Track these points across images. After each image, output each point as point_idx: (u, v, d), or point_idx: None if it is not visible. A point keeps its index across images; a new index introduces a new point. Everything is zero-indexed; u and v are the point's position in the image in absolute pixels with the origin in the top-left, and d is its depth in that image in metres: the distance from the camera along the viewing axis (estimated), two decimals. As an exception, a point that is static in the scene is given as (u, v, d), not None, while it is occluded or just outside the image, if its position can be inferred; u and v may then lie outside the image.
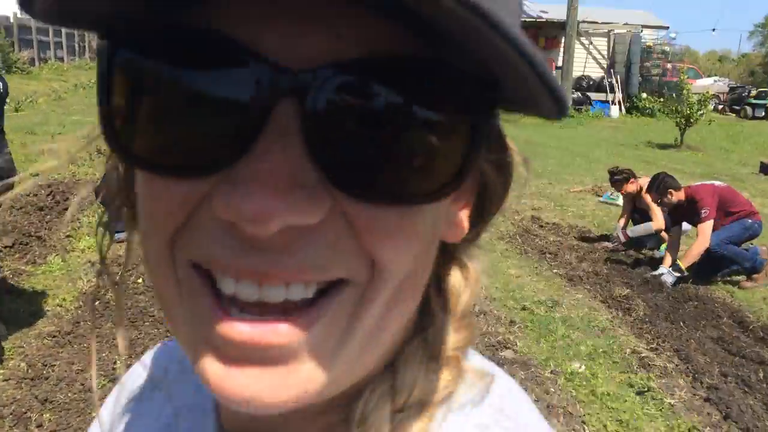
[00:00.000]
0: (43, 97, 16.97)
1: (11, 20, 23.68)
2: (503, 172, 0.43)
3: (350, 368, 0.38)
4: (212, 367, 0.35)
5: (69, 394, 3.41)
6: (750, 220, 5.76)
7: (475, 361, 0.49)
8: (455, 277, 0.45)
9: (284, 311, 0.35)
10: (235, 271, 0.34)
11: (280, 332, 0.34)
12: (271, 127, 0.31)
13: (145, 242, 0.38)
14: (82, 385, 3.50)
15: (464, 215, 0.43)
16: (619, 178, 6.82)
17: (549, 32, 23.15)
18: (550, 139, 18.39)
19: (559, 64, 21.30)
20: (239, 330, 0.34)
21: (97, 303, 3.24)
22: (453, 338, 0.45)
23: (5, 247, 5.50)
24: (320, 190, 0.32)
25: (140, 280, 5.04)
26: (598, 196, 10.09)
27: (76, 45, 30.17)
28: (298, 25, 0.30)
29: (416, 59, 0.30)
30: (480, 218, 0.45)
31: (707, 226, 5.66)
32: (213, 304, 0.36)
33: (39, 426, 3.13)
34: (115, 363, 3.75)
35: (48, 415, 3.21)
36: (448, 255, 0.45)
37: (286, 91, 0.31)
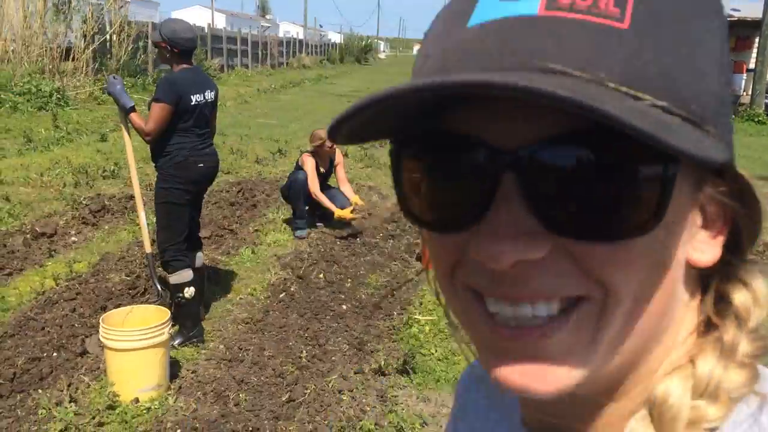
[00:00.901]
0: (230, 100, 18.40)
1: (206, 30, 25.98)
2: (741, 201, 0.47)
3: (601, 367, 0.46)
4: (491, 363, 0.46)
5: (262, 378, 3.70)
6: None
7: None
8: (741, 295, 0.50)
9: (537, 323, 0.44)
10: (492, 295, 0.45)
11: (534, 337, 0.44)
12: (500, 194, 0.42)
13: (435, 270, 0.50)
14: (273, 370, 3.78)
15: (716, 241, 0.48)
16: None
17: (741, 31, 21.28)
18: (740, 148, 16.93)
19: (751, 66, 19.54)
20: (504, 335, 0.45)
21: (283, 295, 3.50)
22: (746, 347, 0.49)
23: (203, 237, 6.06)
24: (540, 234, 0.41)
25: (321, 275, 5.34)
26: None
27: (260, 53, 32.45)
28: (510, 121, 0.41)
29: (597, 131, 0.38)
30: (735, 245, 0.50)
31: None
32: (485, 317, 0.46)
33: (236, 404, 3.42)
34: (301, 352, 4.01)
35: (243, 395, 3.51)
36: (725, 275, 0.50)
37: (507, 167, 0.41)
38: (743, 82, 20.89)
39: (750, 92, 19.57)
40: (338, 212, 6.37)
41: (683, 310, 0.50)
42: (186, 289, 4.04)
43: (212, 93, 4.23)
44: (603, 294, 0.43)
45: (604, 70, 0.38)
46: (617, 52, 0.39)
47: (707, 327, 0.51)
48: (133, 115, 4.03)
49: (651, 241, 0.43)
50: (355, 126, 0.43)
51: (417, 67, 0.47)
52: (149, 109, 4.03)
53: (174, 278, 4.07)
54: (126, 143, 4.28)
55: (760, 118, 18.44)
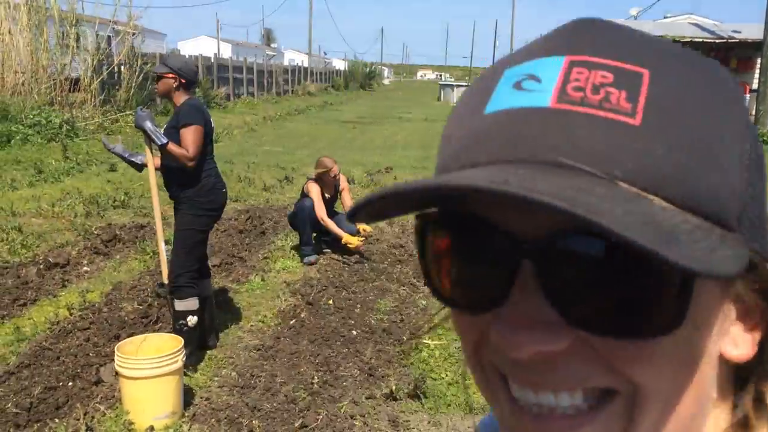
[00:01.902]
0: (237, 129, 18.60)
1: (212, 60, 26.32)
2: None
3: None
4: None
5: (274, 404, 3.74)
6: None
7: None
8: None
9: (560, 413, 0.43)
10: (515, 380, 0.44)
11: (561, 427, 0.43)
12: (519, 281, 0.41)
13: (461, 342, 0.50)
14: (285, 396, 3.82)
15: (752, 335, 0.46)
16: None
17: (742, 53, 21.48)
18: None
19: (755, 86, 19.66)
20: (525, 419, 0.44)
21: (293, 321, 3.56)
22: None
23: (213, 266, 6.13)
24: (560, 326, 0.40)
25: (330, 301, 5.39)
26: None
27: (265, 81, 32.80)
28: (529, 212, 0.39)
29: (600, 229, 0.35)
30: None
31: None
32: (509, 398, 0.45)
33: (250, 431, 3.46)
34: (313, 378, 4.05)
35: (257, 421, 3.55)
36: (764, 373, 0.48)
37: (525, 255, 0.41)
38: (746, 102, 20.98)
39: (754, 112, 19.67)
40: (346, 237, 6.44)
41: (717, 407, 0.47)
42: (190, 317, 4.08)
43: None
44: (632, 390, 0.41)
45: (617, 166, 0.38)
46: (629, 148, 0.38)
47: (744, 427, 0.48)
48: (171, 146, 4.02)
49: (678, 339, 0.40)
50: (373, 211, 0.43)
51: (441, 147, 0.48)
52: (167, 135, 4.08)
53: (180, 305, 4.11)
54: (150, 174, 4.29)
55: (764, 138, 18.52)
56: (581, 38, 0.43)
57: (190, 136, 4.02)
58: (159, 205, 4.42)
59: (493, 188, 0.35)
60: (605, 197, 0.36)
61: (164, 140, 4.02)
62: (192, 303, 4.12)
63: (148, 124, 4.04)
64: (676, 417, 0.43)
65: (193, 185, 4.14)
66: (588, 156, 0.38)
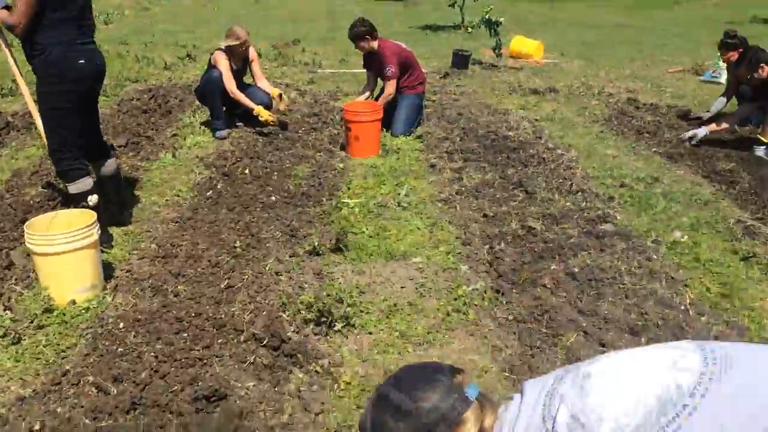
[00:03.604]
0: (128, 8, 17.37)
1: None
2: None
3: None
4: None
5: (198, 269, 3.74)
6: None
7: None
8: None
9: None
10: None
11: None
12: None
13: None
14: (209, 261, 3.82)
15: None
16: (730, 42, 6.47)
17: None
18: (645, 21, 17.34)
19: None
20: None
21: (210, 192, 3.55)
22: None
23: (119, 146, 5.88)
24: None
25: (247, 171, 5.32)
26: (699, 75, 9.59)
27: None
28: None
29: None
30: None
31: None
32: None
33: (176, 295, 3.47)
34: (235, 242, 4.05)
35: (182, 286, 3.55)
36: None
37: None
38: None
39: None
40: (257, 109, 6.25)
41: None
42: (90, 197, 3.86)
43: None
44: None
45: None
46: None
47: None
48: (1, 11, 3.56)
49: None
50: None
51: None
52: None
53: (73, 188, 3.84)
54: (2, 46, 3.88)
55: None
56: None
57: None
58: (22, 78, 4.04)
59: None
60: None
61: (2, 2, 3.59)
62: (84, 183, 3.84)
63: None
64: None
65: (38, 56, 3.61)
66: None
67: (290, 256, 3.91)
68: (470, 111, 7.38)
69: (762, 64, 5.50)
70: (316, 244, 3.97)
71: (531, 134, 6.45)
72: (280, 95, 6.58)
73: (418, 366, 1.49)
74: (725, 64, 6.99)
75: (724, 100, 6.86)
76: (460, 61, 10.01)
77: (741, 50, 6.20)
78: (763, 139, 5.64)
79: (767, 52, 5.60)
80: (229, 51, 6.29)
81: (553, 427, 1.12)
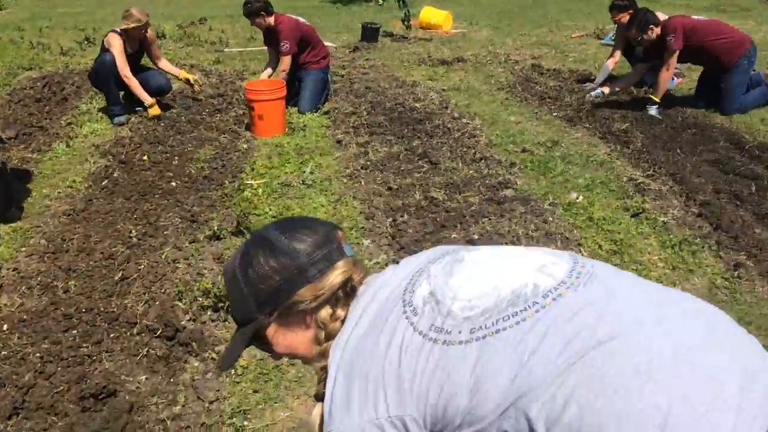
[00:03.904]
0: (24, -8, 16.41)
1: None
2: None
3: None
4: None
5: (90, 263, 3.60)
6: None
7: None
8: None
9: None
10: None
11: None
12: None
13: None
14: (102, 253, 3.68)
15: None
16: (619, 3, 6.64)
17: None
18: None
19: None
20: None
21: (105, 182, 3.39)
22: None
23: (9, 138, 5.57)
24: None
25: (145, 157, 5.14)
26: (600, 39, 9.85)
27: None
28: None
29: None
30: None
31: (672, 54, 5.67)
32: None
33: (66, 291, 3.33)
34: (131, 232, 3.91)
35: (72, 281, 3.41)
36: None
37: None
38: None
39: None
40: (149, 102, 6.00)
41: None
42: None
43: None
44: None
45: None
46: None
47: None
48: None
49: None
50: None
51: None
52: None
53: None
54: None
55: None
56: None
57: None
58: None
59: None
60: None
61: None
62: None
63: None
64: None
65: None
66: None
67: (189, 243, 3.82)
68: (378, 84, 7.35)
69: (651, 26, 5.68)
70: (216, 228, 3.89)
71: (437, 105, 6.49)
72: (195, 80, 6.42)
73: (302, 216, 1.54)
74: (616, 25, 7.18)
75: (609, 66, 6.99)
76: (370, 34, 9.94)
77: (631, 12, 6.37)
78: (654, 98, 5.85)
79: (655, 13, 5.78)
80: (124, 33, 6.01)
81: (411, 298, 1.17)
